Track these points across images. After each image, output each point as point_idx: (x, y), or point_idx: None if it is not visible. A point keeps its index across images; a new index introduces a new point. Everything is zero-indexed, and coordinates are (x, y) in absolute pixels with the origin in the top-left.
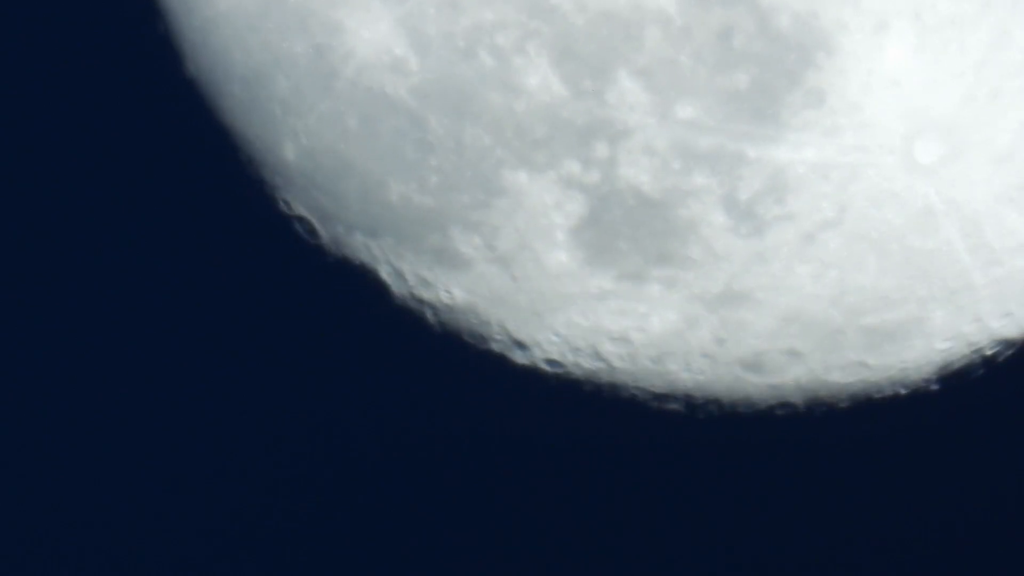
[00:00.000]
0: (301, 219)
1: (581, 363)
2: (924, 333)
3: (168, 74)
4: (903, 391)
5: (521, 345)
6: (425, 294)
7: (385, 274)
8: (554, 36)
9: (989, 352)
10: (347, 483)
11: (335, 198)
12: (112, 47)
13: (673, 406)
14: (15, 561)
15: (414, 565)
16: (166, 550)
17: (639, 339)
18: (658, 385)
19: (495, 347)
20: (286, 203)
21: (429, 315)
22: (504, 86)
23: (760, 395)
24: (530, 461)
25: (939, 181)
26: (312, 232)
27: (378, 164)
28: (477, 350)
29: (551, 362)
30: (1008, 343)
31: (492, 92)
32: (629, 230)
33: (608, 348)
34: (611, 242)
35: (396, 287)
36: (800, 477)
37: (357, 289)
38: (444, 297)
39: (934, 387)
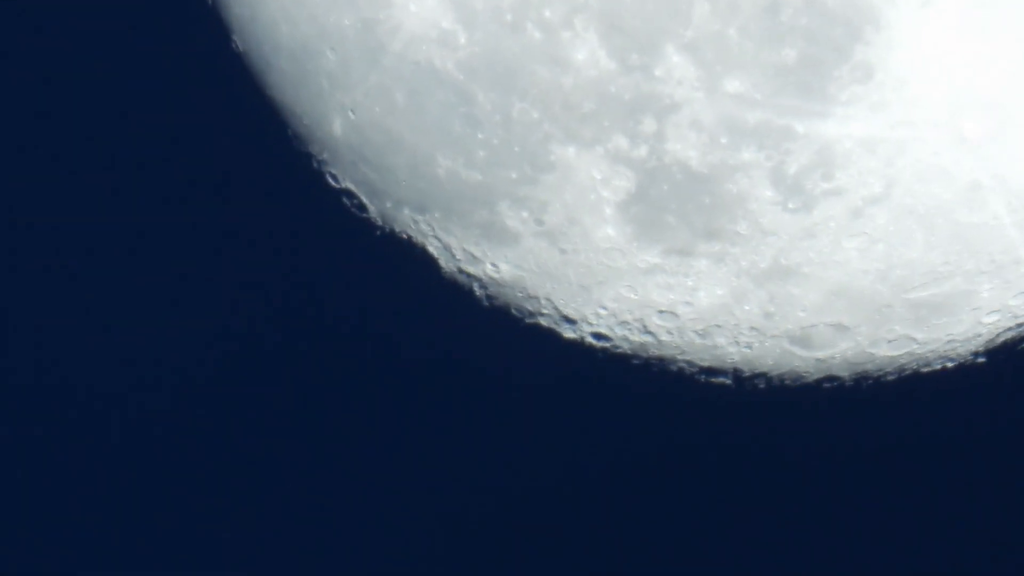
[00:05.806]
0: (349, 194)
1: (629, 337)
2: (971, 307)
3: (216, 48)
4: (950, 365)
5: (569, 319)
6: (473, 269)
7: (433, 248)
8: (602, 10)
9: None
10: (392, 456)
11: (383, 173)
12: (160, 21)
13: (721, 380)
14: (16, 560)
15: (464, 531)
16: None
17: (687, 313)
18: (706, 359)
19: (543, 321)
20: (334, 178)
21: (477, 289)
22: (552, 60)
23: (808, 369)
24: (578, 435)
25: (986, 156)
26: (360, 207)
27: (426, 139)
28: (525, 324)
29: (599, 336)
30: None
31: (540, 66)
32: (677, 205)
33: (656, 322)
34: (659, 217)
35: (444, 261)
36: (847, 451)
37: (405, 263)
38: (492, 272)
39: (981, 360)
